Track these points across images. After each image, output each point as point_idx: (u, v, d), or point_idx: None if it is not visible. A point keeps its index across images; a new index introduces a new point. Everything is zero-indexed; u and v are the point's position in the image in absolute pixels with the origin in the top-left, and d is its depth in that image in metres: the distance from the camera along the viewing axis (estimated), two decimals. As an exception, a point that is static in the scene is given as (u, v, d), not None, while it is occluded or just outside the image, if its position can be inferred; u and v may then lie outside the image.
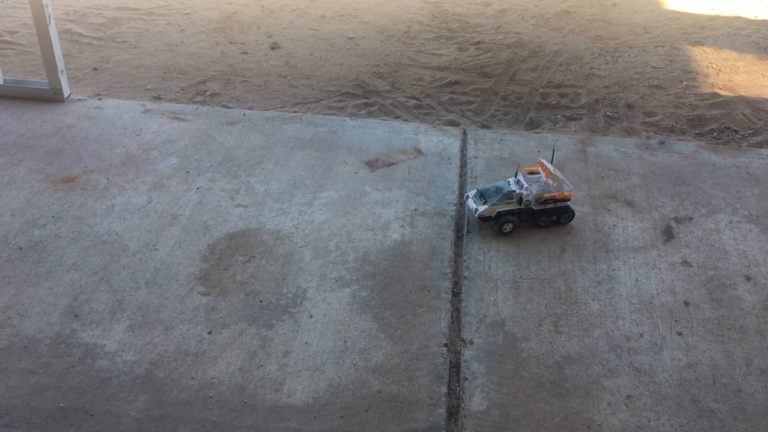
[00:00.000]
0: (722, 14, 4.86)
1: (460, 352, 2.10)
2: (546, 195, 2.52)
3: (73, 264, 2.36)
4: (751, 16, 4.85)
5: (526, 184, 2.54)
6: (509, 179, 2.62)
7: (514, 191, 2.52)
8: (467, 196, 2.59)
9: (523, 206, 2.53)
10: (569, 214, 2.58)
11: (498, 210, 2.51)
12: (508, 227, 2.53)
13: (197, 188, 2.74)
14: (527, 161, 2.97)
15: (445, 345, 2.12)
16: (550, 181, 2.55)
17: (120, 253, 2.41)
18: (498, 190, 2.54)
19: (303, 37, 4.33)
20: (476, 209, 2.51)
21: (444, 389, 1.98)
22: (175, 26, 4.41)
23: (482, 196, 2.54)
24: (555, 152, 2.95)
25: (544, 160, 2.61)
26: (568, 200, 2.56)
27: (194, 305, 2.22)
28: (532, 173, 2.61)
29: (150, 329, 2.13)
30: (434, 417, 1.91)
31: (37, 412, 1.88)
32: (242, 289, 2.29)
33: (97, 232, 2.50)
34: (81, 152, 2.93)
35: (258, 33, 4.37)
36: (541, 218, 2.56)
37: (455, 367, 2.06)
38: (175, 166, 2.86)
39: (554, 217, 2.58)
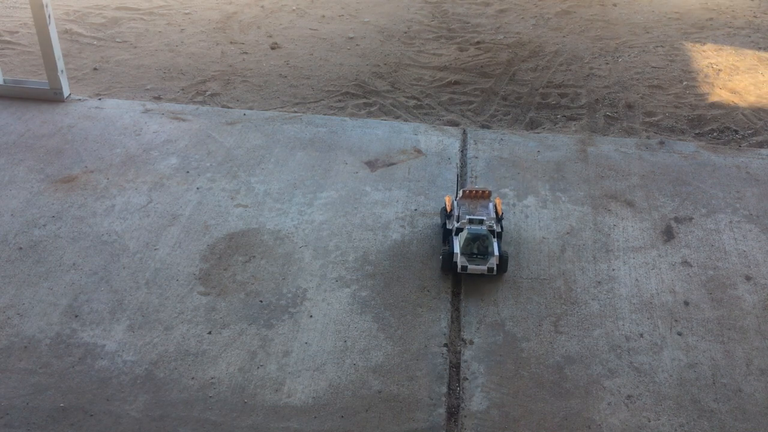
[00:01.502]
0: (722, 14, 4.86)
1: (460, 352, 2.10)
2: (499, 212, 2.42)
3: (73, 264, 2.36)
4: (751, 16, 4.85)
5: (483, 216, 2.37)
6: (454, 225, 2.36)
7: (488, 228, 2.33)
8: (463, 267, 2.27)
9: (495, 236, 2.36)
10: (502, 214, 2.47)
11: (499, 254, 2.30)
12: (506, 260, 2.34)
13: (197, 188, 2.74)
14: (527, 161, 2.97)
15: (445, 345, 2.12)
16: (482, 200, 2.44)
17: (120, 253, 2.41)
18: (479, 236, 2.29)
19: (303, 37, 4.33)
20: (491, 268, 2.27)
21: (444, 389, 1.98)
22: (175, 26, 4.41)
23: (475, 253, 2.29)
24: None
25: (450, 196, 2.50)
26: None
27: (194, 305, 2.22)
28: (457, 207, 2.44)
29: (150, 329, 2.13)
30: (434, 417, 1.91)
31: (37, 412, 1.88)
32: (242, 289, 2.29)
33: (97, 232, 2.50)
34: (81, 152, 2.93)
35: (258, 33, 4.37)
36: (502, 235, 2.43)
37: (455, 367, 2.06)
38: (175, 166, 2.86)
39: (502, 227, 2.44)
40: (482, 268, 2.28)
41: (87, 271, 2.33)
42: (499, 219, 2.42)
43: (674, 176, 2.91)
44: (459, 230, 2.35)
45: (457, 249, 2.30)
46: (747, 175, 2.93)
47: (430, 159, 2.97)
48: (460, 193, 2.50)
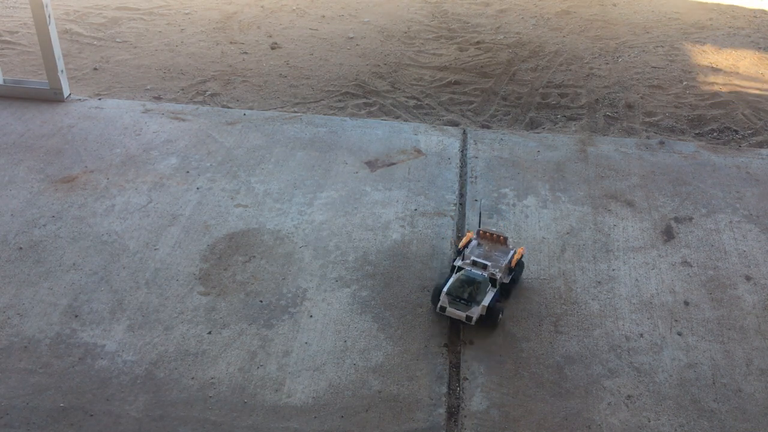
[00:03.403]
0: (722, 14, 4.86)
1: (460, 352, 2.10)
2: (512, 263, 2.24)
3: (73, 264, 2.36)
4: (751, 16, 4.85)
5: (489, 262, 2.20)
6: (458, 261, 2.22)
7: (489, 276, 2.16)
8: (442, 308, 2.11)
9: (497, 287, 2.18)
10: (522, 266, 2.31)
11: (488, 305, 2.10)
12: (500, 317, 2.16)
13: (197, 188, 2.74)
14: (527, 161, 2.97)
15: (445, 345, 2.12)
16: (501, 246, 2.29)
17: (120, 253, 2.41)
18: (471, 281, 2.12)
19: (303, 37, 4.33)
20: (469, 317, 2.08)
21: (444, 389, 1.98)
22: (175, 26, 4.41)
23: (460, 297, 2.10)
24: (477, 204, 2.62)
25: (473, 231, 2.36)
26: (522, 255, 2.29)
27: (194, 305, 2.22)
28: (467, 245, 2.29)
29: (150, 329, 2.13)
30: (434, 417, 1.91)
31: (37, 412, 1.88)
32: (242, 289, 2.29)
33: (97, 232, 2.50)
34: (81, 152, 2.93)
35: (258, 33, 4.37)
36: (511, 290, 2.25)
37: (455, 367, 2.06)
38: (175, 166, 2.86)
39: (516, 280, 2.27)
40: (461, 314, 2.10)
41: (87, 271, 2.33)
42: (511, 270, 2.24)
43: (674, 176, 2.91)
44: (460, 269, 2.21)
45: (446, 287, 2.15)
46: (747, 175, 2.93)
47: (430, 159, 2.97)
48: (476, 232, 2.35)
